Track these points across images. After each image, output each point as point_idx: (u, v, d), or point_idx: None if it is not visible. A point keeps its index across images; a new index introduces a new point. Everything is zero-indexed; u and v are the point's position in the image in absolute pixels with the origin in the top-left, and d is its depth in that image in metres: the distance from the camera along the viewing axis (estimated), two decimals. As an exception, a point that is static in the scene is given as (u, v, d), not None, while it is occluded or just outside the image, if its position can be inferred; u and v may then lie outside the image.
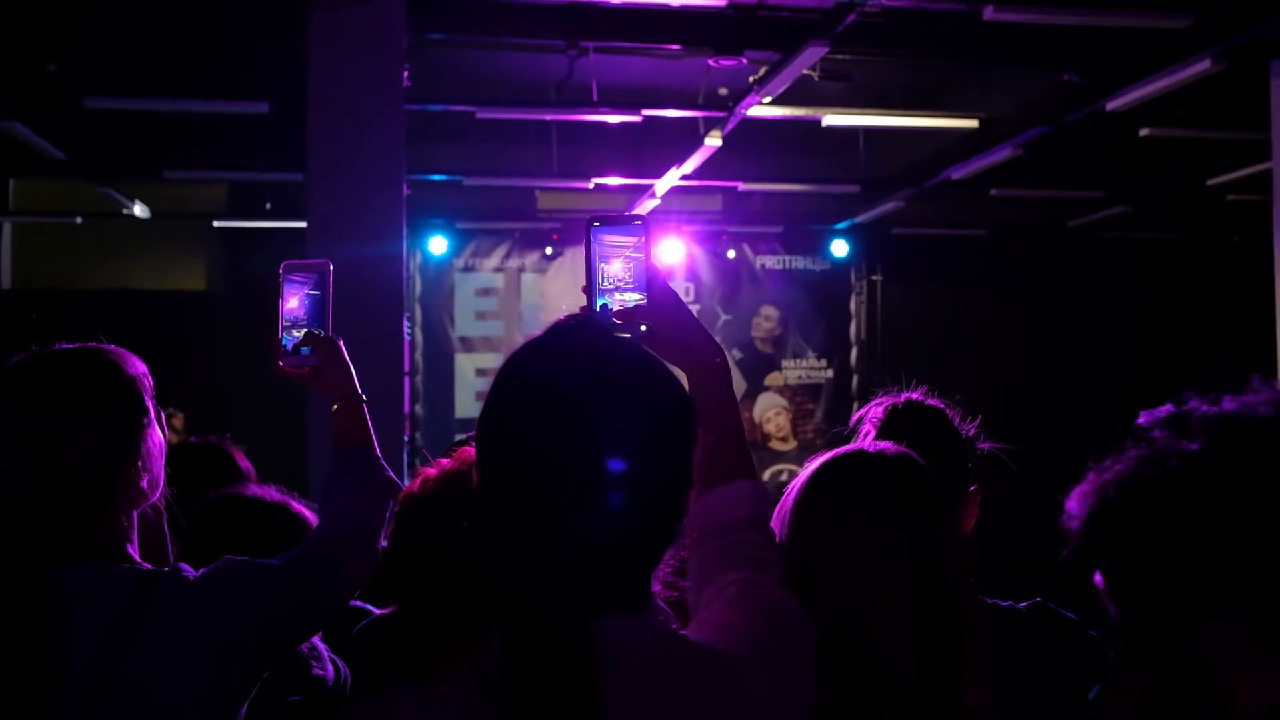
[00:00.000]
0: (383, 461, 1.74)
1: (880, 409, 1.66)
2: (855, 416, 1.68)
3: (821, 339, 11.03)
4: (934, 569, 1.16)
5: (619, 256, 1.29)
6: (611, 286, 1.28)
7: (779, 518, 1.24)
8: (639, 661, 0.94)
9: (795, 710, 1.03)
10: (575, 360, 1.00)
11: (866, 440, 1.58)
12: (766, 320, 10.95)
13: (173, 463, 1.67)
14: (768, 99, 6.11)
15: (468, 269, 10.42)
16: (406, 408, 9.76)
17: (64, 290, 9.71)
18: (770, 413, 10.96)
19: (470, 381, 10.25)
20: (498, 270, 10.37)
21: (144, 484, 1.56)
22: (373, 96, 5.06)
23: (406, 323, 9.78)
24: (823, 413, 10.99)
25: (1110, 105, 6.38)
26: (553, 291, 10.24)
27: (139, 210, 9.11)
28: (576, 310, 1.24)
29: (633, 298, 1.27)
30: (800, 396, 11.03)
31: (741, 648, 1.01)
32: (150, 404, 1.59)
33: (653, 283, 1.27)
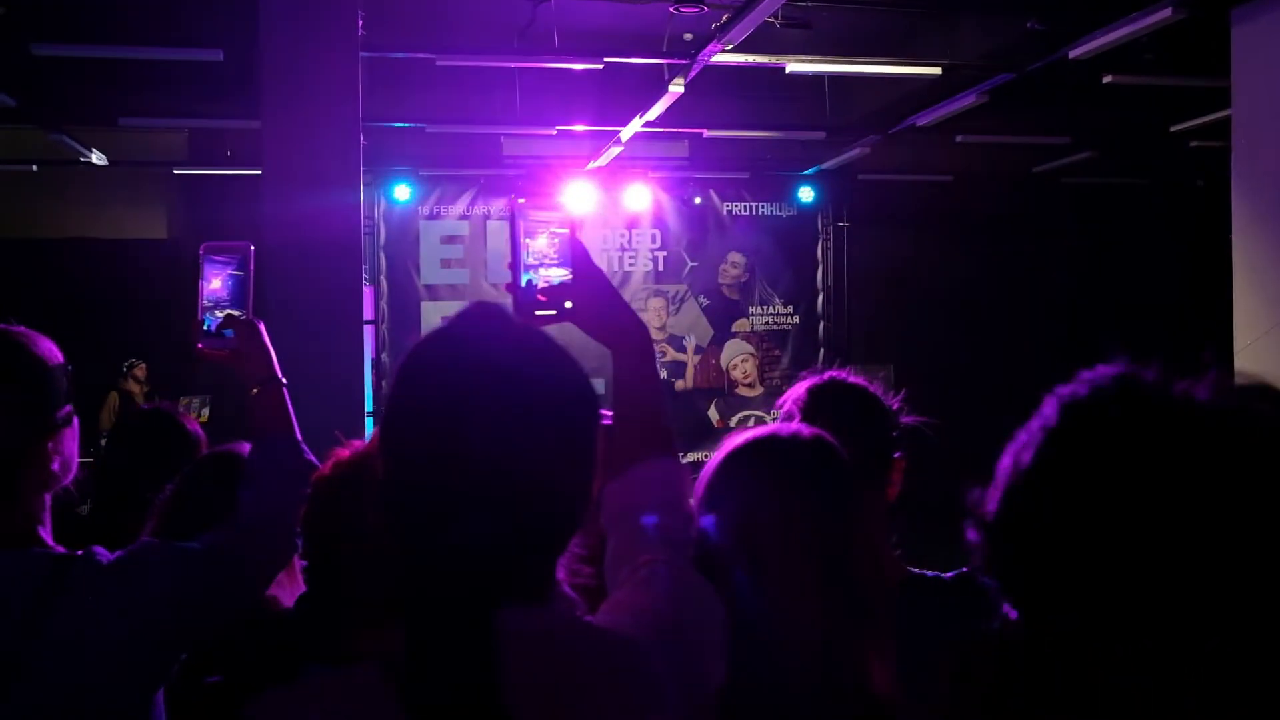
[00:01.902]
0: (303, 445, 1.72)
1: (803, 389, 1.67)
2: (780, 400, 1.70)
3: (788, 285, 11.04)
4: (843, 554, 1.16)
5: (544, 232, 1.28)
6: (536, 262, 1.27)
7: (694, 498, 1.24)
8: (539, 651, 0.95)
9: (702, 691, 1.04)
10: (477, 352, 1.00)
11: (793, 421, 1.59)
12: (733, 267, 10.94)
13: (121, 431, 1.65)
14: (729, 46, 6.06)
15: (433, 216, 10.33)
16: (374, 354, 9.74)
17: (22, 239, 9.58)
18: (737, 359, 11.00)
19: (437, 329, 10.20)
20: (463, 217, 10.28)
21: (55, 466, 1.53)
22: (326, 43, 4.99)
23: (366, 271, 9.73)
24: (789, 359, 11.04)
25: (1073, 53, 6.38)
26: (518, 238, 10.18)
27: (96, 158, 8.97)
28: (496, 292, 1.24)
29: (558, 274, 1.26)
30: (767, 343, 11.06)
31: (648, 631, 1.02)
32: (63, 386, 1.55)
33: (577, 259, 1.26)
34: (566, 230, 1.28)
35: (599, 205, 10.41)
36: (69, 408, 1.56)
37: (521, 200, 1.29)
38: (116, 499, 2.13)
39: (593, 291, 1.25)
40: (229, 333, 1.75)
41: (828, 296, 11.11)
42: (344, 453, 1.47)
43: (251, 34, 4.98)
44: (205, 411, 9.25)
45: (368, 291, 9.83)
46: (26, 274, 9.27)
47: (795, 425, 1.29)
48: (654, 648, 1.01)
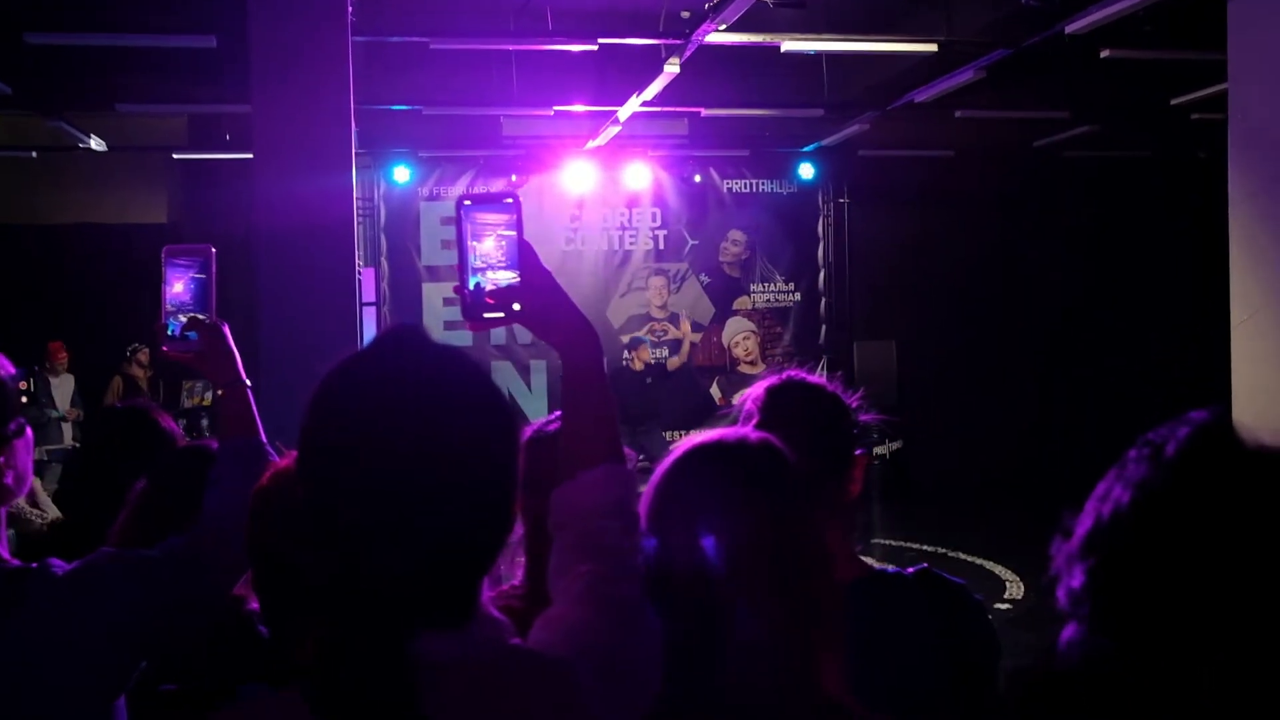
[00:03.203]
0: (269, 448, 1.72)
1: (761, 389, 1.67)
2: (740, 399, 1.71)
3: (789, 262, 11.04)
4: (793, 557, 1.16)
5: (491, 234, 1.28)
6: (484, 265, 1.27)
7: (643, 505, 1.23)
8: (459, 677, 0.95)
9: (634, 710, 1.04)
10: (391, 377, 1.00)
11: (750, 423, 1.60)
12: (734, 244, 10.93)
13: (95, 428, 1.65)
14: (723, 26, 6.05)
15: (432, 198, 10.33)
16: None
17: (23, 225, 9.60)
18: (739, 336, 11.01)
19: (439, 311, 10.21)
20: (463, 198, 10.28)
21: (9, 480, 1.51)
22: (315, 26, 4.97)
23: (367, 253, 9.72)
24: (791, 336, 11.04)
25: (1070, 28, 6.35)
26: (518, 218, 10.18)
27: (95, 144, 8.98)
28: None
29: (506, 276, 1.26)
30: (769, 320, 11.07)
31: (578, 648, 1.02)
32: (15, 398, 1.52)
33: (525, 261, 1.26)
34: (514, 233, 1.28)
35: (599, 184, 10.40)
36: (21, 419, 1.54)
37: (468, 202, 1.29)
38: (92, 494, 2.14)
39: (540, 293, 1.25)
40: (193, 335, 1.76)
41: (829, 273, 11.10)
42: (283, 462, 1.46)
43: (243, 19, 4.97)
44: (208, 395, 9.29)
45: (369, 273, 9.84)
46: (28, 260, 9.31)
47: (743, 430, 1.29)
48: (583, 668, 1.01)
